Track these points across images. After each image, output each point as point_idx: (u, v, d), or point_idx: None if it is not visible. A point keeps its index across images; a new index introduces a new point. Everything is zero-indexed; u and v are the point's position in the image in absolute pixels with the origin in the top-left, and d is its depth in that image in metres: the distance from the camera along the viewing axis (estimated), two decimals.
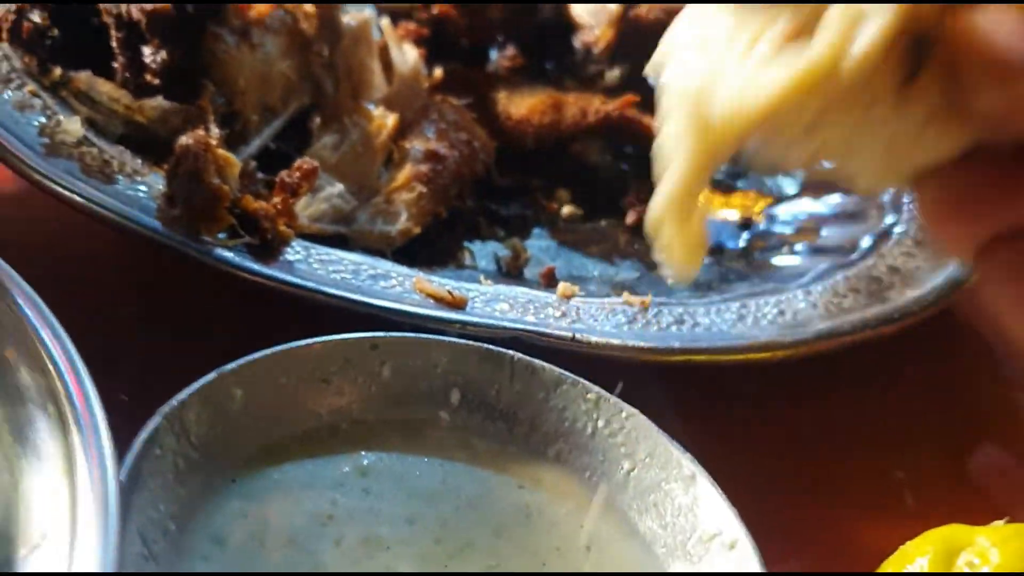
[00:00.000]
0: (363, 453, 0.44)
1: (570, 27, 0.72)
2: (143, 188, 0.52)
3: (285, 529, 0.41)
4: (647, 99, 0.69)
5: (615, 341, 0.50)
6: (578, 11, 0.73)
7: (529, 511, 0.44)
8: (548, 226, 0.64)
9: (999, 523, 0.46)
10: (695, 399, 0.53)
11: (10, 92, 0.55)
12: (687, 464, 0.44)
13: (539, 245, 0.63)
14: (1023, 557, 0.42)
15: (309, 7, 0.60)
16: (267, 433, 0.43)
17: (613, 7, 0.71)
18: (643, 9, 0.69)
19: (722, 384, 0.55)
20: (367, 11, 0.64)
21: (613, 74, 0.70)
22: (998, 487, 0.54)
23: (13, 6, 0.56)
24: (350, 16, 0.62)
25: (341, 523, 0.41)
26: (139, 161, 0.54)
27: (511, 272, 0.59)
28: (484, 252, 0.61)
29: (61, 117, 0.54)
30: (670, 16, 0.67)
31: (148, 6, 0.54)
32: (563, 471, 0.46)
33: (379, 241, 0.56)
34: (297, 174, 0.50)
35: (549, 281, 0.58)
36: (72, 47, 0.57)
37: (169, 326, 0.51)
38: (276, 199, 0.50)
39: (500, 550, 0.42)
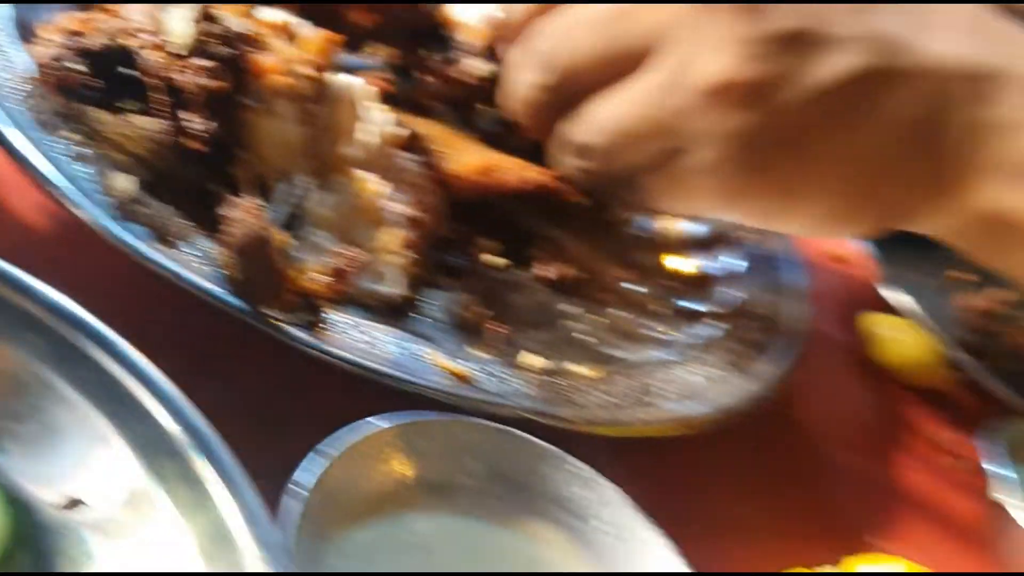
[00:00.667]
0: (416, 515, 0.55)
1: (445, 26, 0.78)
2: (197, 254, 0.59)
3: None
4: None
5: (596, 417, 0.63)
6: (455, 10, 0.78)
7: (531, 557, 0.57)
8: (475, 275, 0.75)
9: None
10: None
11: (57, 140, 0.59)
12: (641, 528, 0.58)
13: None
14: None
15: (307, 69, 0.67)
16: (348, 501, 0.53)
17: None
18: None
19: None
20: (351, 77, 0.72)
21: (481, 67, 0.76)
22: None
23: (56, 54, 0.60)
24: (339, 79, 0.69)
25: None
26: (182, 222, 0.60)
27: (470, 330, 0.69)
28: (436, 299, 0.71)
29: (108, 172, 0.59)
30: None
31: (204, 81, 0.60)
32: (552, 528, 0.59)
33: (378, 302, 0.65)
34: (352, 264, 0.59)
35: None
36: (108, 97, 0.62)
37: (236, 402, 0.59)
38: (329, 281, 0.58)
39: None
